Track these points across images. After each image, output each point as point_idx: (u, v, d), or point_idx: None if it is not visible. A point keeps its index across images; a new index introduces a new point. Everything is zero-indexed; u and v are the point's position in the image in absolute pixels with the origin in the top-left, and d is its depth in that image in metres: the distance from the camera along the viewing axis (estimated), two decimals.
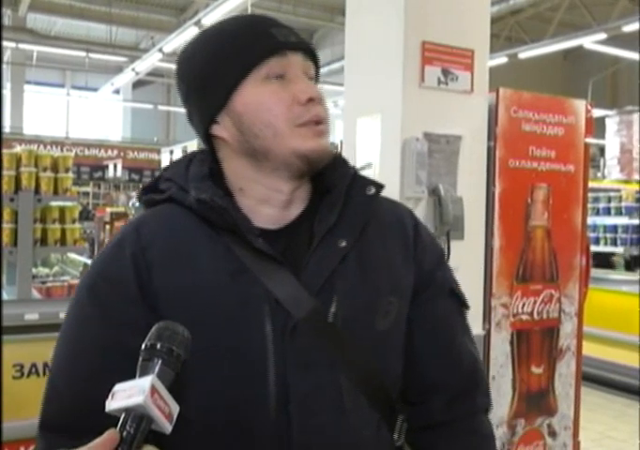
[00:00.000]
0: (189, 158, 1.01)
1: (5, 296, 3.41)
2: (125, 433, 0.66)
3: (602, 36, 10.91)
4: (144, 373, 0.70)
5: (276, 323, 0.88)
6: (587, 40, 11.36)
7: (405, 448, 1.00)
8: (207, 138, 0.98)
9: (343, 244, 0.93)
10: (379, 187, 1.00)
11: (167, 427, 0.68)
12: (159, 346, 0.72)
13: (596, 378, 5.47)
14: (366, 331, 0.93)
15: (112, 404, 0.68)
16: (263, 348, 0.87)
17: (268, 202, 0.95)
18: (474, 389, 1.05)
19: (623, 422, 4.68)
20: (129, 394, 0.67)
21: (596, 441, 4.41)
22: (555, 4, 13.38)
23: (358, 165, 2.75)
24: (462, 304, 1.08)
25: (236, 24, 0.98)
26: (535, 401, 2.95)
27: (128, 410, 0.67)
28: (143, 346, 0.73)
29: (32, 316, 2.28)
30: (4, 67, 17.75)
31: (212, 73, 0.94)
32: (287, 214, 0.96)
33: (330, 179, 0.98)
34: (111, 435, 0.66)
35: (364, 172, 1.04)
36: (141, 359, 0.72)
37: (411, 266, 1.01)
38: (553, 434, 3.02)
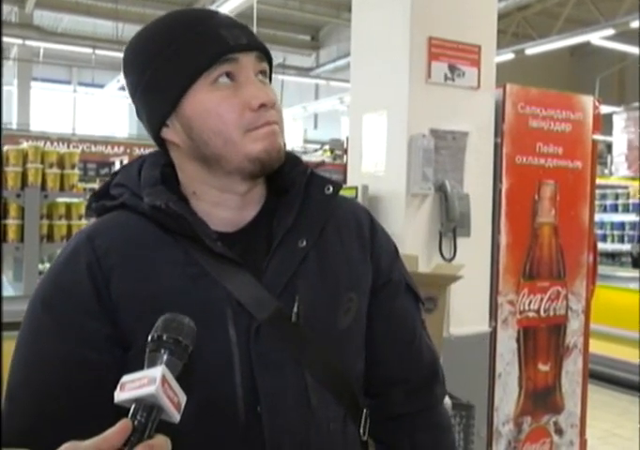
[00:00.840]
0: (140, 162, 0.98)
1: (11, 292, 3.42)
2: (137, 423, 0.67)
3: (610, 32, 10.84)
4: (152, 364, 0.71)
5: (239, 326, 0.87)
6: (595, 36, 11.29)
7: (370, 443, 1.02)
8: (159, 140, 0.95)
9: (304, 244, 0.93)
10: (337, 185, 0.99)
11: (176, 417, 0.69)
12: (165, 337, 0.72)
13: (603, 375, 5.46)
14: (328, 329, 0.93)
15: (121, 395, 0.68)
16: (228, 351, 0.86)
17: (223, 204, 0.93)
18: (433, 381, 1.08)
19: (629, 420, 4.66)
20: (139, 384, 0.68)
21: (602, 438, 4.39)
22: (562, 0, 13.31)
23: (362, 163, 2.75)
24: (417, 299, 1.09)
25: (183, 23, 0.92)
26: (541, 399, 2.94)
27: (138, 400, 0.68)
28: (149, 337, 0.73)
29: None
30: (10, 63, 17.80)
31: (159, 75, 0.90)
32: (243, 215, 0.95)
33: (287, 178, 0.97)
34: (124, 424, 0.67)
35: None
36: (148, 351, 0.73)
37: (369, 265, 1.02)
38: (559, 432, 3.01)
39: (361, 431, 0.99)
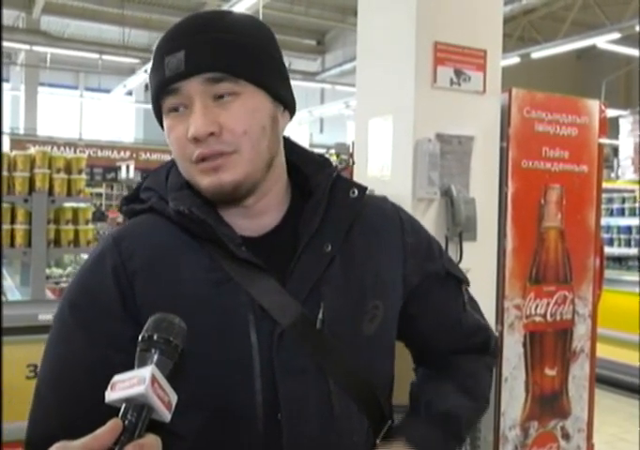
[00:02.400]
0: (169, 166, 0.98)
1: (19, 297, 3.44)
2: (127, 422, 0.67)
3: (616, 35, 10.83)
4: (142, 364, 0.72)
5: (261, 332, 0.86)
6: (601, 40, 11.29)
7: None
8: None
9: (329, 249, 0.92)
10: (362, 189, 0.98)
11: (167, 416, 0.70)
12: (156, 337, 0.73)
13: (609, 380, 5.43)
14: (353, 336, 0.92)
15: (112, 395, 0.69)
16: (248, 357, 0.86)
17: (234, 213, 0.93)
18: (481, 351, 1.11)
19: (637, 424, 4.63)
20: (129, 384, 0.68)
21: (609, 443, 4.37)
22: (568, 3, 13.30)
23: (368, 167, 2.75)
24: (459, 281, 1.09)
25: (160, 40, 0.92)
26: (548, 403, 2.93)
27: (128, 400, 0.68)
28: (140, 337, 0.73)
29: (46, 316, 2.29)
30: (17, 68, 17.89)
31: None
32: (266, 220, 0.94)
33: (312, 181, 0.96)
34: (114, 424, 0.67)
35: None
36: (138, 350, 0.73)
37: (399, 269, 1.00)
38: (566, 437, 3.00)
39: (378, 442, 0.97)
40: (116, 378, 0.70)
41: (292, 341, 0.87)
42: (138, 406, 0.68)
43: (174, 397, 0.71)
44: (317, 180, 0.96)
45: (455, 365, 1.08)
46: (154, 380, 0.68)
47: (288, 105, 0.94)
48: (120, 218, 8.59)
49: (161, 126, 0.93)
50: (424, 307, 1.04)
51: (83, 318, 0.88)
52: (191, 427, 0.86)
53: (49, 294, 3.49)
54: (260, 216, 0.94)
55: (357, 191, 0.97)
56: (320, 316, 0.89)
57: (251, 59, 0.88)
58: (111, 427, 0.66)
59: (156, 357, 0.72)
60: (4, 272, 3.84)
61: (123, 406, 0.69)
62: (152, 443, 0.68)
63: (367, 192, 0.99)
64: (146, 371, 0.69)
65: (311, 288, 0.90)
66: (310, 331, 0.88)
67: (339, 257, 0.93)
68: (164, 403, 0.69)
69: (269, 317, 0.87)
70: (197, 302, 0.86)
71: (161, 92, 0.88)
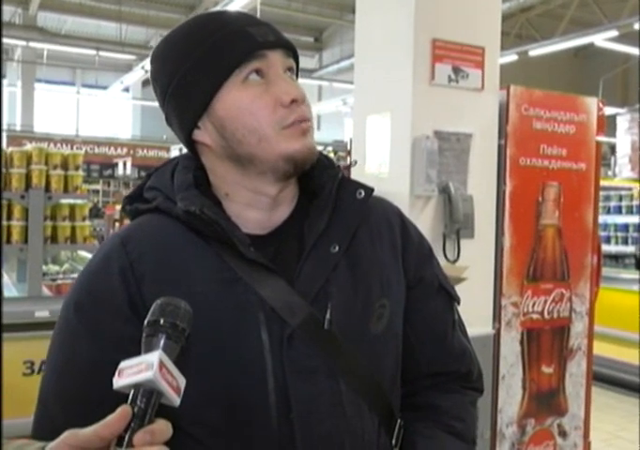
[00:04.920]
0: (173, 164, 0.98)
1: (15, 293, 3.43)
2: (136, 408, 0.67)
3: (614, 33, 10.82)
4: (149, 349, 0.71)
5: (272, 332, 0.87)
6: (598, 38, 11.27)
7: None
8: (189, 143, 0.95)
9: (336, 249, 0.92)
10: (369, 190, 0.98)
11: (176, 401, 0.69)
12: (162, 321, 0.72)
13: (606, 378, 5.44)
14: (361, 336, 0.92)
15: (119, 381, 0.68)
16: (260, 357, 0.86)
17: (254, 206, 0.93)
18: (462, 379, 1.06)
19: (633, 422, 4.64)
20: (136, 370, 0.68)
21: (606, 441, 4.38)
22: (565, 1, 13.30)
23: (366, 164, 2.75)
24: (451, 298, 1.07)
25: (209, 23, 0.93)
26: (545, 401, 2.94)
27: (137, 385, 0.68)
28: (145, 322, 0.73)
29: (42, 313, 2.29)
30: (14, 65, 17.84)
31: (189, 77, 0.90)
32: (275, 217, 0.95)
33: (318, 180, 0.97)
34: (124, 410, 0.66)
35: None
36: (144, 335, 0.72)
37: (400, 267, 1.01)
38: (563, 434, 3.00)
39: (394, 442, 0.97)
40: (123, 364, 0.69)
41: (301, 341, 0.87)
42: (147, 392, 0.67)
43: (182, 382, 0.70)
44: (321, 180, 0.96)
45: (440, 407, 1.03)
46: (162, 365, 0.68)
47: None
48: (117, 215, 8.57)
49: (198, 115, 0.91)
50: (414, 313, 1.02)
51: (89, 320, 0.87)
52: (205, 425, 0.85)
53: (45, 291, 3.48)
54: (277, 209, 0.94)
55: (363, 192, 0.97)
56: (328, 316, 0.89)
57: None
58: (120, 414, 0.66)
59: (162, 342, 0.71)
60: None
61: (131, 392, 0.68)
62: (163, 429, 0.67)
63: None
64: (154, 356, 0.68)
65: (318, 288, 0.90)
66: (318, 331, 0.88)
67: (346, 257, 0.94)
68: (173, 388, 0.68)
69: (279, 317, 0.87)
70: (208, 301, 0.86)
71: (249, 56, 0.89)
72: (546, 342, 2.93)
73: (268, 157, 0.89)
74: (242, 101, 0.89)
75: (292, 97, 0.89)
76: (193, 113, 0.91)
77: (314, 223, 0.93)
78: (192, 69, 0.90)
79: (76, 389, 0.86)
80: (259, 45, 0.89)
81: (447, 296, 1.07)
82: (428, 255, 1.07)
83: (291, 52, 0.94)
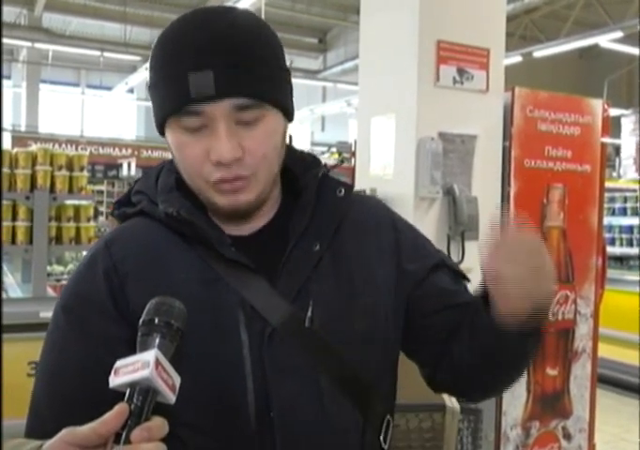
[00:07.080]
0: (159, 168, 0.99)
1: (20, 294, 3.44)
2: (133, 406, 0.68)
3: (618, 34, 10.80)
4: (144, 348, 0.72)
5: (252, 331, 0.87)
6: (603, 39, 11.26)
7: None
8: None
9: (317, 247, 0.93)
10: (349, 188, 0.99)
11: (172, 398, 0.71)
12: (157, 320, 0.74)
13: (611, 380, 5.42)
14: (344, 333, 0.92)
15: (116, 380, 0.69)
16: (239, 356, 0.86)
17: (226, 216, 0.93)
18: None
19: (637, 424, 4.63)
20: (133, 368, 0.69)
21: (610, 443, 4.37)
22: (570, 2, 13.28)
23: (370, 166, 2.75)
24: (459, 274, 1.06)
25: (171, 47, 0.85)
26: (550, 403, 2.93)
27: (133, 384, 0.69)
28: (140, 322, 0.74)
29: (47, 314, 2.29)
30: (19, 65, 17.89)
31: (152, 87, 0.89)
32: (257, 221, 0.95)
33: (302, 181, 0.97)
34: (121, 408, 0.67)
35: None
36: (140, 334, 0.74)
37: (393, 266, 1.00)
38: (568, 436, 3.00)
39: (382, 439, 0.96)
40: (119, 363, 0.70)
41: (282, 340, 0.88)
42: (143, 390, 0.69)
43: (177, 380, 0.72)
44: (305, 180, 0.97)
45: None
46: (158, 363, 0.69)
47: (292, 114, 0.95)
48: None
49: (161, 132, 0.91)
50: (426, 292, 1.01)
51: (77, 321, 0.88)
52: (187, 425, 0.86)
53: (50, 292, 3.49)
54: (254, 219, 0.95)
55: (343, 190, 0.98)
56: (309, 314, 0.89)
57: (273, 82, 0.88)
58: (118, 412, 0.67)
59: (158, 341, 0.72)
60: (4, 269, 3.84)
61: (128, 391, 0.69)
62: (159, 426, 0.68)
63: (365, 192, 0.99)
64: (150, 355, 0.69)
65: (300, 287, 0.90)
66: (300, 329, 0.89)
67: (329, 255, 0.94)
68: (169, 386, 0.70)
69: (260, 316, 0.88)
70: (189, 301, 0.85)
71: (180, 111, 0.84)
72: (551, 344, 2.92)
73: (205, 201, 0.91)
74: (177, 143, 0.87)
75: (216, 159, 0.84)
76: (158, 118, 0.90)
77: (297, 222, 0.94)
78: (154, 80, 0.88)
79: (65, 390, 0.86)
80: (192, 101, 0.83)
81: (454, 273, 1.06)
82: (423, 246, 1.06)
83: (252, 98, 0.84)
